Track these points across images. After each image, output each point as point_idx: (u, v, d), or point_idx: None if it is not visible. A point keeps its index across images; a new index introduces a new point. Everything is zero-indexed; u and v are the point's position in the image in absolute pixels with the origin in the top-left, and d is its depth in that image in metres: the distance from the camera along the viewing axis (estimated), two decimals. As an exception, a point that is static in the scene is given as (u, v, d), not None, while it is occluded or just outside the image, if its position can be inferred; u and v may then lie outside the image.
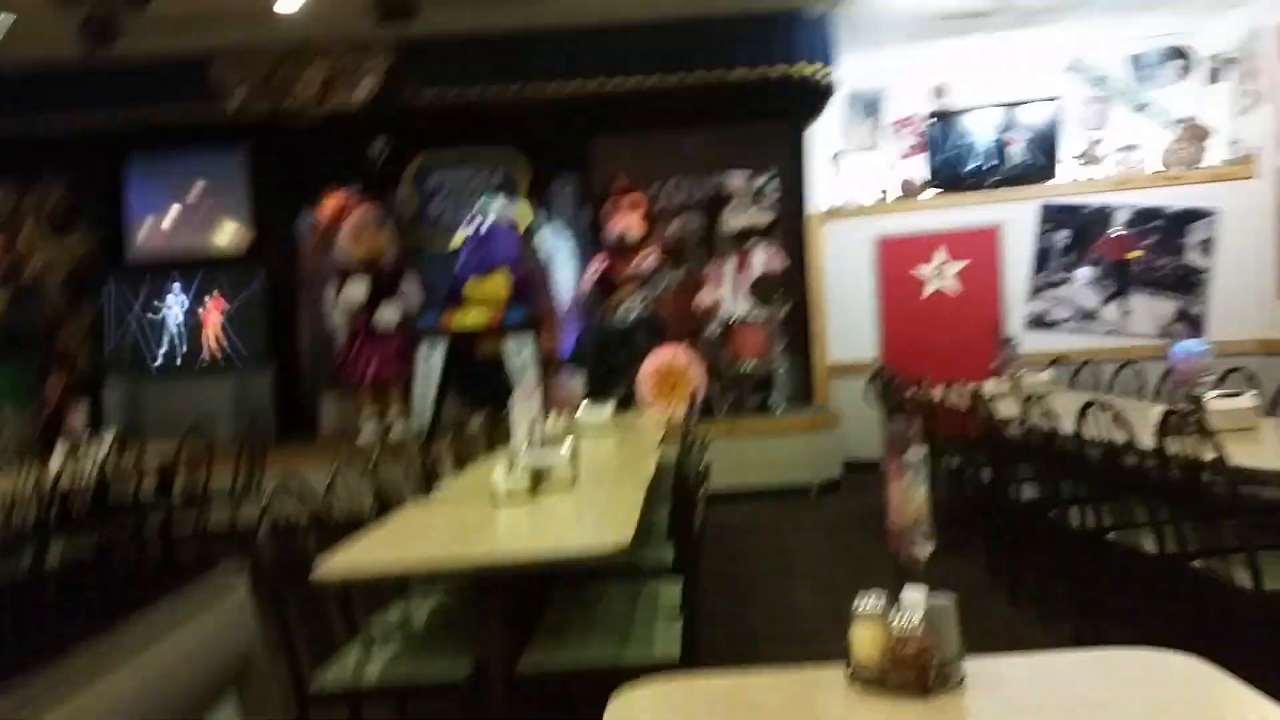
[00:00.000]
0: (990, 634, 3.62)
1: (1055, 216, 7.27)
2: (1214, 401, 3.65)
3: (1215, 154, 7.11)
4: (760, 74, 6.58)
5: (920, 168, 7.47)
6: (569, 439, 3.22)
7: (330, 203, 7.24)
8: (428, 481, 3.88)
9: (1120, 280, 7.20)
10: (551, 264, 7.69)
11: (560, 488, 3.02)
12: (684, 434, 3.40)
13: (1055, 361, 6.47)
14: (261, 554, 2.25)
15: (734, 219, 7.28)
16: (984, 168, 7.38)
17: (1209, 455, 2.74)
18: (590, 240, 7.53)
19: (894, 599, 1.34)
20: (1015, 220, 7.32)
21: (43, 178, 7.48)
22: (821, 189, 7.49)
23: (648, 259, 7.25)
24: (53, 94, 6.68)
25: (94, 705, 1.47)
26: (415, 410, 6.93)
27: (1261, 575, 2.55)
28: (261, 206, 7.61)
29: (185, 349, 7.37)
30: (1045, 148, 7.28)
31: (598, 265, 7.25)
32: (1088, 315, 7.27)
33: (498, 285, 7.06)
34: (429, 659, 2.47)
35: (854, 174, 7.53)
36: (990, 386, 5.51)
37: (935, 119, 7.41)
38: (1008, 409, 4.42)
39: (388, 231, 7.26)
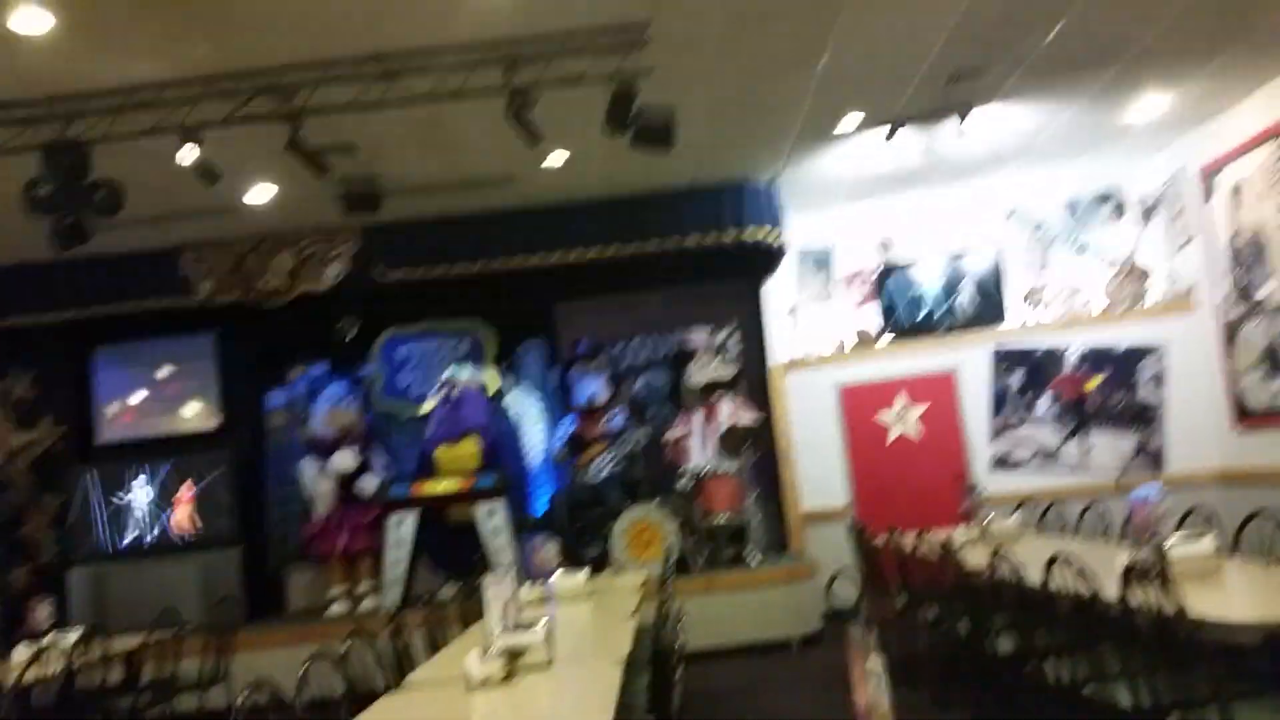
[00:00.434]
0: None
1: (1008, 359, 7.49)
2: (1175, 549, 3.72)
3: (1156, 291, 7.40)
4: (714, 239, 6.87)
5: (874, 317, 7.71)
6: (544, 618, 3.21)
7: (303, 380, 7.36)
8: (400, 665, 3.82)
9: (1078, 419, 7.36)
10: (521, 428, 7.76)
11: (536, 668, 3.00)
12: (660, 601, 3.40)
13: (1021, 504, 6.56)
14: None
15: (698, 374, 7.42)
16: (935, 315, 7.62)
17: (1172, 607, 2.78)
18: (558, 402, 7.63)
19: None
20: (970, 364, 7.53)
21: (10, 370, 7.53)
22: (782, 341, 7.69)
23: (615, 417, 7.34)
24: (22, 290, 6.79)
25: None
26: (386, 582, 6.83)
27: (1236, 726, 2.56)
28: (229, 386, 7.67)
29: (152, 532, 7.28)
30: (992, 293, 7.55)
31: (567, 426, 7.32)
32: (1049, 455, 7.39)
33: (468, 451, 7.10)
34: None
35: (811, 326, 7.76)
36: (959, 534, 5.57)
37: (884, 271, 7.70)
38: (977, 558, 4.46)
39: (358, 404, 7.35)
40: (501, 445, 7.45)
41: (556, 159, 5.86)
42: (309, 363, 7.65)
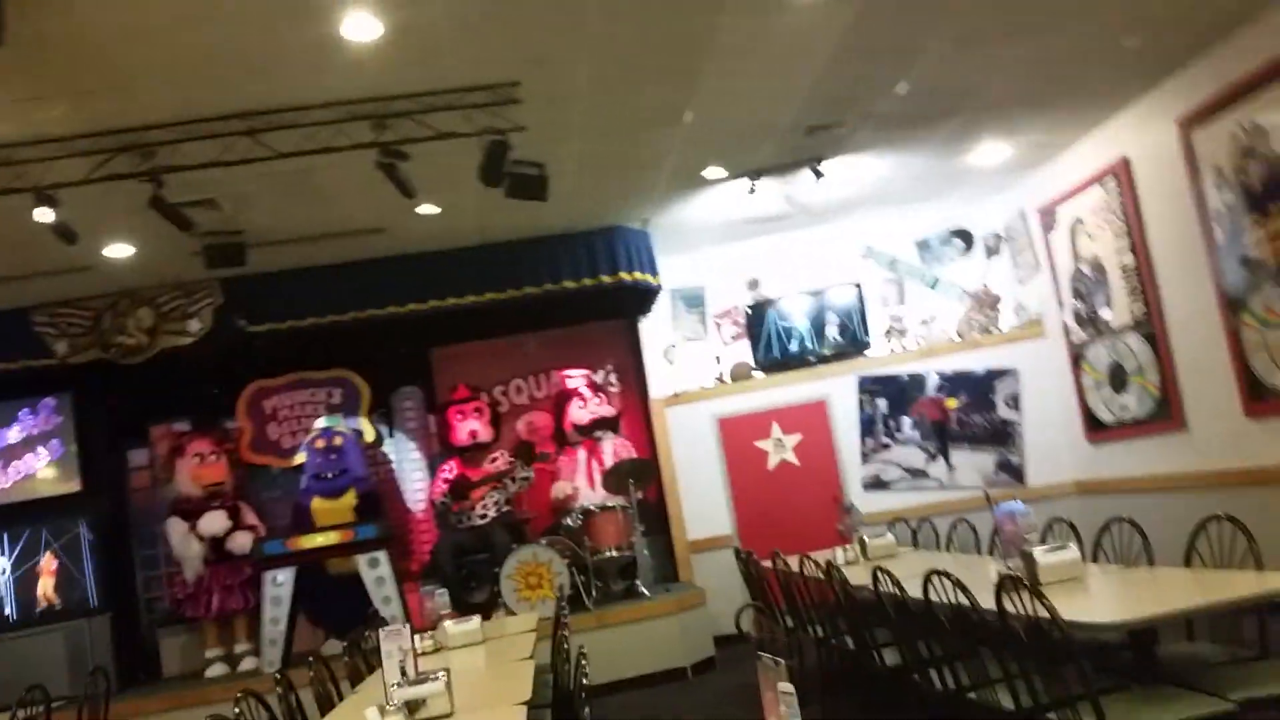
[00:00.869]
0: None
1: (872, 387, 7.85)
2: (1042, 558, 3.99)
3: (1006, 318, 7.89)
4: (589, 283, 6.96)
5: (747, 352, 7.95)
6: (442, 670, 3.20)
7: (165, 438, 7.06)
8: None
9: (942, 439, 7.76)
10: (400, 475, 7.66)
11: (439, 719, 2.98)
12: (557, 641, 3.42)
13: (895, 521, 6.87)
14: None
15: (580, 413, 7.50)
16: (804, 348, 7.92)
17: (1044, 613, 2.99)
18: (438, 448, 7.56)
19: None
20: (838, 393, 7.86)
21: None
22: (660, 377, 7.85)
23: (497, 460, 7.34)
24: None
25: None
26: (265, 641, 6.60)
27: (1105, 718, 2.76)
28: (88, 447, 7.28)
29: (11, 604, 6.84)
30: (856, 326, 7.91)
31: (447, 472, 7.26)
32: (918, 473, 7.75)
33: (346, 503, 6.96)
34: None
35: (688, 362, 7.95)
36: (839, 554, 5.79)
37: (754, 308, 7.97)
38: (858, 576, 4.66)
39: (226, 461, 7.12)
40: (381, 494, 7.33)
41: (429, 209, 5.87)
42: (172, 420, 7.38)
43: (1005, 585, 3.40)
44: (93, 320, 6.55)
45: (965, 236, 8.04)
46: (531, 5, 3.84)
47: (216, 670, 6.68)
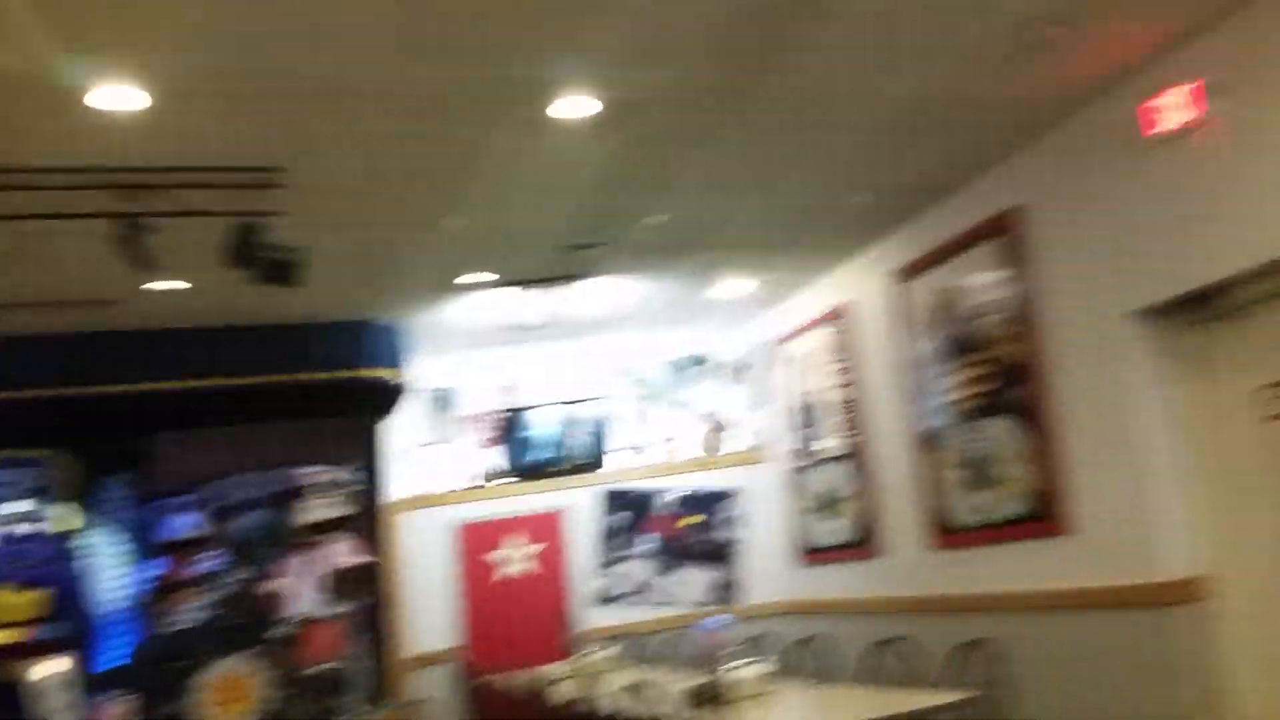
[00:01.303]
0: None
1: (612, 500, 8.06)
2: (732, 673, 4.25)
3: (739, 442, 8.37)
4: (334, 376, 6.78)
5: (493, 458, 7.98)
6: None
7: None
8: None
9: (670, 555, 8.04)
10: (99, 570, 6.99)
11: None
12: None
13: (619, 636, 7.01)
14: None
15: (307, 513, 7.21)
16: (549, 457, 8.06)
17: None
18: (145, 542, 6.98)
19: None
20: (579, 504, 8.00)
21: None
22: (399, 480, 7.68)
23: (211, 559, 6.90)
24: None
25: None
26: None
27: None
28: None
29: None
30: (600, 439, 8.14)
31: (153, 570, 6.73)
32: (645, 589, 7.96)
33: (29, 599, 6.29)
34: None
35: (431, 465, 7.85)
36: (556, 669, 5.85)
37: (504, 414, 8.05)
38: (569, 690, 4.73)
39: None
40: (73, 591, 6.66)
41: (170, 285, 5.58)
42: None
43: (693, 697, 3.60)
44: None
45: (708, 361, 8.55)
46: (302, 95, 3.84)
47: None
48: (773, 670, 4.39)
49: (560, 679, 5.51)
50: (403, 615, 7.46)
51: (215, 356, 6.54)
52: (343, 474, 7.54)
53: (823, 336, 7.29)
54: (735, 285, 7.16)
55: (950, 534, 5.97)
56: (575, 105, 4.14)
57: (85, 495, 6.98)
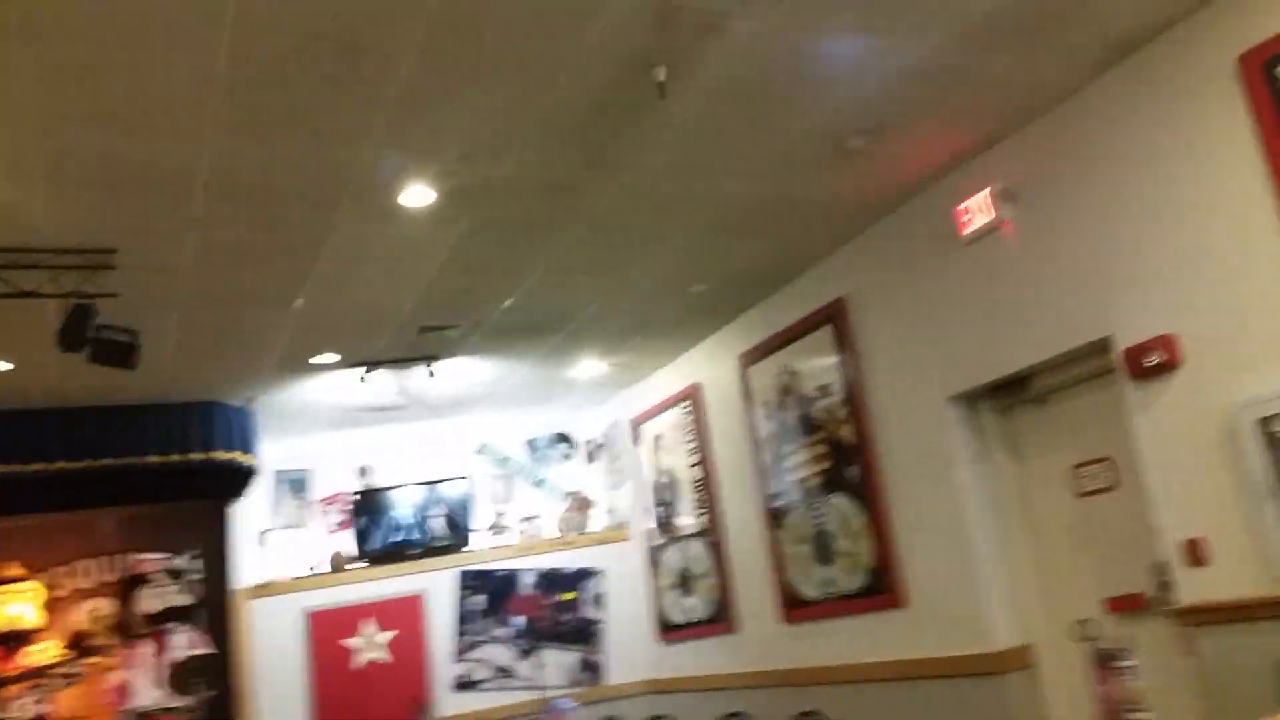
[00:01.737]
0: None
1: (472, 582, 7.95)
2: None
3: (599, 521, 8.41)
4: (178, 459, 6.54)
5: (348, 541, 7.81)
6: None
7: None
8: None
9: (532, 637, 7.95)
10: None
11: None
12: None
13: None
14: None
15: (150, 602, 6.95)
16: (407, 539, 7.92)
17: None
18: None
19: None
20: (437, 588, 7.86)
21: None
22: (248, 566, 7.43)
23: (47, 650, 6.57)
24: None
25: None
26: None
27: None
28: None
29: None
30: (461, 519, 8.06)
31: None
32: (506, 673, 7.84)
33: None
34: None
35: (282, 550, 7.62)
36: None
37: (360, 496, 7.91)
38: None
39: None
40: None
41: (-1, 365, 5.39)
42: None
43: None
44: None
45: (568, 440, 8.61)
46: (135, 178, 3.82)
47: None
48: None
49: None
50: (251, 707, 7.17)
51: (55, 439, 6.23)
52: (186, 560, 7.29)
53: (677, 416, 7.46)
54: (589, 367, 7.29)
55: (799, 608, 6.14)
56: (416, 194, 4.24)
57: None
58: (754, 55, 3.58)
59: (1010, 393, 4.87)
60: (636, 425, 8.06)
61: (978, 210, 4.59)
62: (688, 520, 7.40)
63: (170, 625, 6.92)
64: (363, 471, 8.02)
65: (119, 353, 4.65)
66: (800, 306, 5.98)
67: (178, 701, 6.62)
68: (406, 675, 7.62)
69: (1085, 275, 4.27)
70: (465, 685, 7.73)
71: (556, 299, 5.77)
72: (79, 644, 6.71)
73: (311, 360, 6.19)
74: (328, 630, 7.55)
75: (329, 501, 7.91)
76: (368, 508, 7.89)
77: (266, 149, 3.75)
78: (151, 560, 7.11)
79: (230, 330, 5.53)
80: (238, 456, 6.79)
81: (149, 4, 2.88)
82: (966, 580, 4.94)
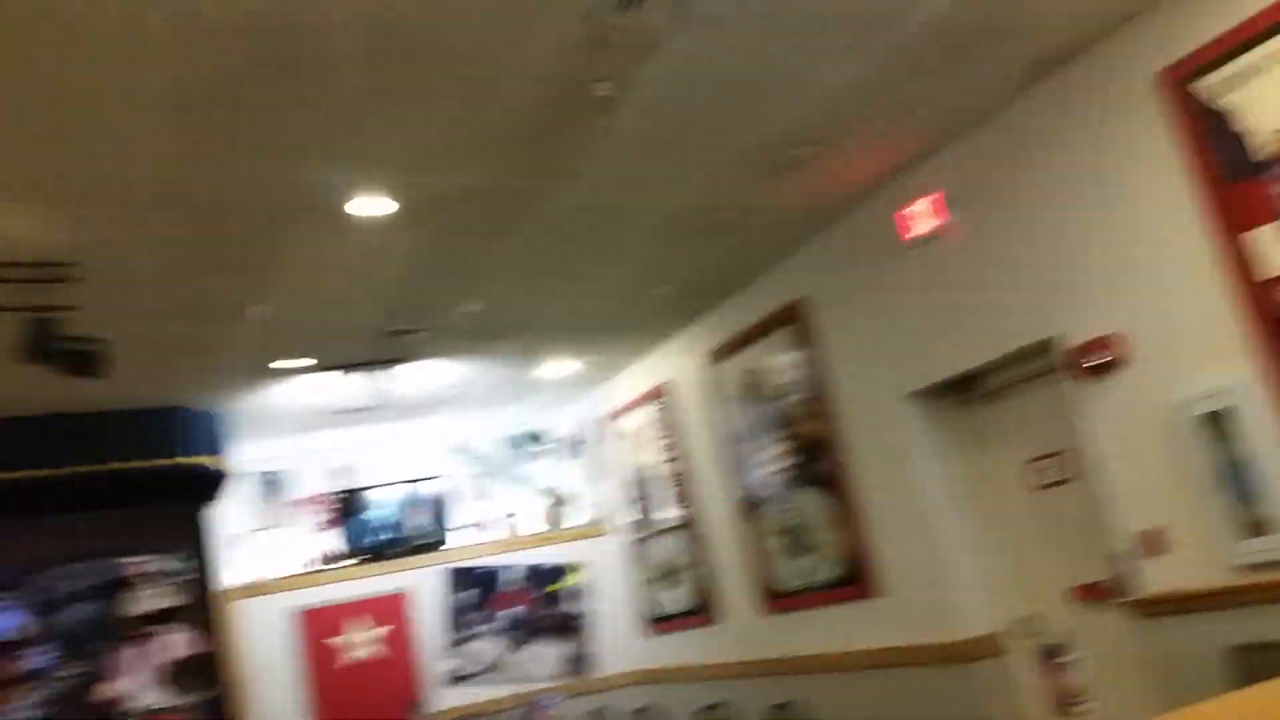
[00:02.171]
0: None
1: (456, 579, 8.02)
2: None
3: (579, 516, 8.47)
4: (153, 464, 6.60)
5: (331, 541, 7.88)
6: None
7: None
8: None
9: (519, 631, 8.03)
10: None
11: None
12: None
13: (468, 717, 6.97)
14: None
15: (138, 604, 7.01)
16: (389, 538, 7.99)
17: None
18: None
19: None
20: (423, 585, 7.93)
21: None
22: (233, 567, 7.51)
23: (39, 655, 6.64)
24: None
25: None
26: None
27: None
28: None
29: None
30: (441, 518, 8.13)
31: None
32: (497, 666, 7.92)
33: None
34: None
35: (265, 550, 7.70)
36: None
37: (341, 496, 7.97)
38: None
39: None
40: None
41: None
42: None
43: None
44: None
45: (543, 438, 8.65)
46: (85, 194, 3.85)
47: None
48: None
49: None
50: (247, 705, 7.25)
51: (24, 448, 6.28)
52: (171, 562, 7.33)
53: (649, 413, 7.50)
54: (560, 366, 7.33)
55: (778, 599, 6.20)
56: (371, 205, 4.27)
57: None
58: (693, 74, 3.62)
59: (964, 389, 4.92)
60: (611, 421, 8.11)
61: (921, 216, 4.67)
62: (667, 514, 7.45)
63: (160, 626, 6.97)
64: (342, 472, 8.08)
65: (86, 362, 4.69)
66: (762, 307, 6.03)
67: (176, 700, 6.69)
68: (398, 670, 7.70)
69: (1027, 278, 4.34)
70: (457, 679, 7.81)
71: (518, 303, 5.80)
72: (73, 647, 6.77)
73: (277, 365, 6.23)
74: (317, 628, 7.63)
75: (308, 502, 7.98)
76: (349, 507, 7.96)
77: (215, 166, 3.78)
78: (136, 563, 7.16)
79: (194, 338, 5.55)
80: (209, 460, 6.82)
81: (99, 33, 2.94)
82: (936, 570, 5.01)
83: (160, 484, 6.84)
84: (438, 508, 8.14)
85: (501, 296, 5.62)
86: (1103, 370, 3.99)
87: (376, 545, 7.94)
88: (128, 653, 6.89)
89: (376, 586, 7.84)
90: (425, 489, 8.15)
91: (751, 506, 6.34)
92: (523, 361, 7.04)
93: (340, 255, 4.76)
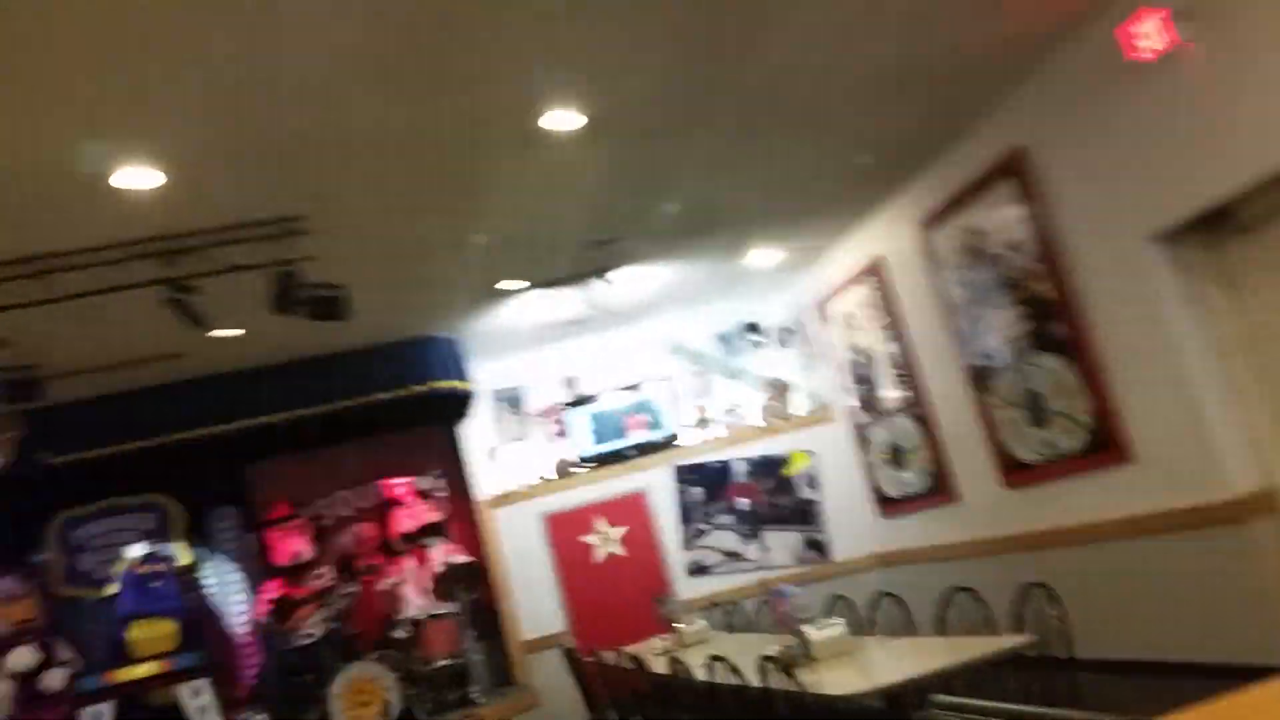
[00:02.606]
0: None
1: (687, 476, 8.22)
2: (813, 635, 4.40)
3: (800, 405, 8.43)
4: (404, 392, 7.08)
5: (567, 449, 8.23)
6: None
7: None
8: None
9: (754, 521, 8.17)
10: (220, 600, 7.53)
11: None
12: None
13: (713, 606, 7.20)
14: None
15: (405, 522, 7.59)
16: (620, 441, 8.25)
17: (803, 687, 3.33)
18: (259, 568, 7.49)
19: None
20: (656, 484, 8.19)
21: None
22: (485, 479, 8.01)
23: (322, 576, 7.32)
24: None
25: None
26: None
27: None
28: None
29: None
30: (666, 418, 8.31)
31: (270, 592, 7.21)
32: (735, 556, 8.12)
33: (164, 632, 6.80)
34: None
35: (511, 462, 8.15)
36: (656, 643, 6.06)
37: (572, 405, 8.28)
38: (666, 663, 4.96)
39: (35, 595, 6.89)
40: (201, 620, 7.19)
41: (230, 333, 5.95)
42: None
43: (767, 664, 3.76)
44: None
45: (757, 329, 8.59)
46: (303, 148, 4.10)
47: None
48: (847, 630, 4.51)
49: (659, 652, 5.76)
50: (510, 606, 7.79)
51: (292, 390, 6.91)
52: (430, 481, 7.92)
53: (862, 292, 7.30)
54: (764, 255, 7.22)
55: (1017, 472, 5.96)
56: (561, 120, 4.30)
57: (195, 531, 7.51)
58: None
59: (1216, 224, 4.44)
60: (822, 306, 7.95)
61: (1148, 35, 4.16)
62: (891, 395, 7.29)
63: (426, 540, 7.54)
64: (570, 382, 8.37)
65: (330, 307, 5.06)
66: (977, 162, 5.63)
67: (445, 608, 7.24)
68: (643, 565, 8.05)
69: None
70: (698, 571, 8.07)
71: (716, 196, 5.72)
72: (349, 567, 7.45)
73: (498, 288, 6.50)
74: (566, 530, 8.07)
75: (545, 413, 8.33)
76: (578, 416, 8.26)
77: (416, 105, 3.94)
78: (398, 484, 7.76)
79: (418, 274, 5.88)
80: (453, 384, 7.27)
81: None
82: (1196, 428, 4.63)
83: (417, 410, 7.36)
84: (665, 407, 8.31)
85: (697, 195, 5.57)
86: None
87: (609, 449, 8.22)
88: (400, 566, 7.51)
89: (615, 488, 8.16)
90: (650, 391, 8.33)
91: (981, 378, 6.08)
92: (726, 255, 7.00)
93: (539, 173, 4.85)
